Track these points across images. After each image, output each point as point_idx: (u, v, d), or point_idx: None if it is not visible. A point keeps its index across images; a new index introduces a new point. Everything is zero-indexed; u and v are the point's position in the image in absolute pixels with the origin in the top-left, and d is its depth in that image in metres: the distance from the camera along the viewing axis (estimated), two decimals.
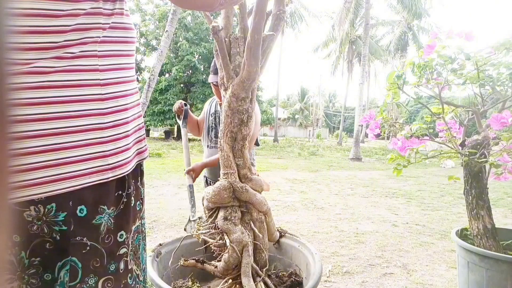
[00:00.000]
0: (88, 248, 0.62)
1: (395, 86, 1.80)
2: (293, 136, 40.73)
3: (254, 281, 1.31)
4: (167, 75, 20.24)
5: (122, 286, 0.67)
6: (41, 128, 0.56)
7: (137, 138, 0.73)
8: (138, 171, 0.75)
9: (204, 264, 1.44)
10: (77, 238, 0.60)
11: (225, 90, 1.43)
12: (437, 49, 1.71)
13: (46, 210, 0.58)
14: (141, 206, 0.76)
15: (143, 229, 0.78)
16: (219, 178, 1.45)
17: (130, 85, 0.70)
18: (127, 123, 0.68)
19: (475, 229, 1.81)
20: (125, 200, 0.68)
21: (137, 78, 0.80)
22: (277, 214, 4.38)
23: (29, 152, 0.55)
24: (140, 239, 0.75)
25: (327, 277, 2.50)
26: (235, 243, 1.32)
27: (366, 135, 17.09)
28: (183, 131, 2.00)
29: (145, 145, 0.77)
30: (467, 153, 1.73)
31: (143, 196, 0.78)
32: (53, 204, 0.58)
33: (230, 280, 1.39)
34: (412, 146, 1.73)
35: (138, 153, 0.74)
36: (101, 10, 0.61)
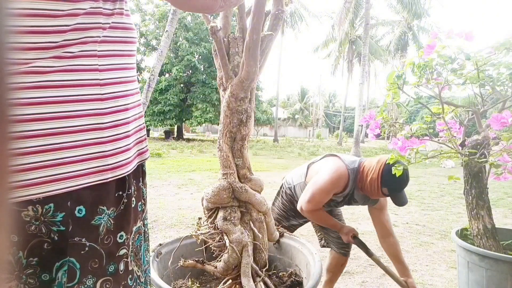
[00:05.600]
0: (86, 248, 0.61)
1: (395, 86, 1.80)
2: (293, 136, 40.75)
3: (254, 281, 1.31)
4: (167, 75, 20.26)
5: (121, 287, 0.67)
6: (40, 128, 0.55)
7: (138, 138, 0.73)
8: (140, 172, 0.74)
9: (204, 265, 1.44)
10: (75, 239, 0.60)
11: (224, 90, 1.42)
12: (437, 49, 1.71)
13: (44, 210, 0.58)
14: (143, 207, 0.75)
15: (145, 229, 0.77)
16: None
17: (131, 85, 0.69)
18: (127, 123, 0.67)
19: (475, 229, 1.81)
20: (125, 200, 0.67)
21: (137, 78, 0.79)
22: None
23: (27, 152, 0.55)
24: (141, 240, 0.74)
25: None
26: (235, 243, 1.32)
27: (366, 135, 17.07)
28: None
29: (146, 146, 0.76)
30: (467, 153, 1.73)
31: (146, 196, 0.77)
32: (51, 204, 0.58)
33: (230, 280, 1.39)
34: (412, 146, 1.73)
35: (139, 154, 0.73)
36: (101, 10, 0.61)
